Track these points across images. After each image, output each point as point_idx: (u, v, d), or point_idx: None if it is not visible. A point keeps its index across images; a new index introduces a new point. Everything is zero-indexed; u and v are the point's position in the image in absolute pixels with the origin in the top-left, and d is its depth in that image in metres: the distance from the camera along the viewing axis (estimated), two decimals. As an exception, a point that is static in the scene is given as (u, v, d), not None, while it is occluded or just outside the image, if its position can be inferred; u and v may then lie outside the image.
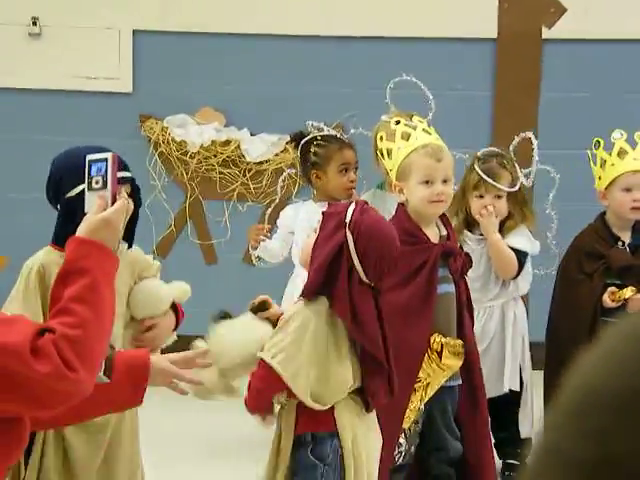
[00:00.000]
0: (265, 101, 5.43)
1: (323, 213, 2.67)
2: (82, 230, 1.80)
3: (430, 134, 3.32)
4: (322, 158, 3.91)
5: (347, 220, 2.58)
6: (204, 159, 5.45)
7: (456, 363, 3.21)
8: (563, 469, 0.62)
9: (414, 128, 3.31)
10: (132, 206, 2.23)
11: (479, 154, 3.76)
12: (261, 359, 2.51)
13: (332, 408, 2.57)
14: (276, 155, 5.44)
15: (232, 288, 5.43)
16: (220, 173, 5.46)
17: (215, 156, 5.45)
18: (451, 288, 3.27)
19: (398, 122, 3.34)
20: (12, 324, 1.67)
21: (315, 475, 2.56)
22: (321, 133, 3.96)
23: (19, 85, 5.43)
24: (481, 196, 3.73)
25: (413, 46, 5.36)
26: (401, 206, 3.31)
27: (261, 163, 5.46)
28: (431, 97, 3.82)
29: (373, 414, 2.73)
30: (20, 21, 5.39)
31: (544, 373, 3.78)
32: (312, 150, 3.94)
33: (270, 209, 4.31)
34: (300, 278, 3.85)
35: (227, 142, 5.46)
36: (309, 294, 2.57)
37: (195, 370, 2.15)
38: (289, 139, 4.26)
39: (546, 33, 5.39)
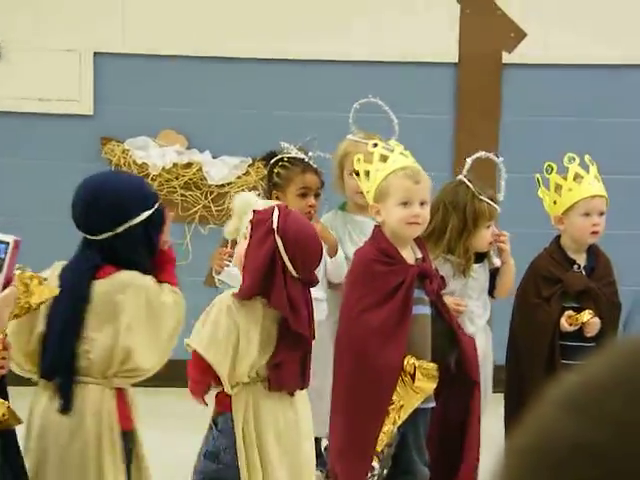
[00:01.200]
0: (227, 124, 5.42)
1: (251, 221, 2.90)
2: None
3: (407, 157, 3.35)
4: (283, 180, 3.91)
5: (274, 226, 2.86)
6: (165, 181, 5.43)
7: (429, 386, 3.21)
8: (513, 457, 0.66)
9: (391, 151, 3.35)
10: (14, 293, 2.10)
11: (469, 184, 3.68)
12: (193, 350, 2.83)
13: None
14: (238, 178, 5.44)
15: (193, 311, 5.39)
16: (182, 196, 5.45)
17: (177, 178, 5.43)
18: (426, 310, 3.29)
19: (376, 145, 3.37)
20: None
21: (215, 445, 2.94)
22: (288, 155, 3.96)
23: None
24: (488, 226, 3.70)
25: (375, 70, 5.38)
26: (378, 227, 3.34)
27: (223, 186, 5.45)
28: (395, 120, 3.84)
29: (299, 400, 2.98)
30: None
31: (504, 395, 3.79)
32: (275, 171, 3.94)
33: (232, 232, 4.30)
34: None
35: (189, 165, 5.45)
36: (245, 296, 2.85)
37: None
38: (261, 158, 4.24)
39: (506, 58, 5.44)
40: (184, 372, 2.97)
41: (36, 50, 5.40)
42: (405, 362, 3.17)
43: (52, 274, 2.70)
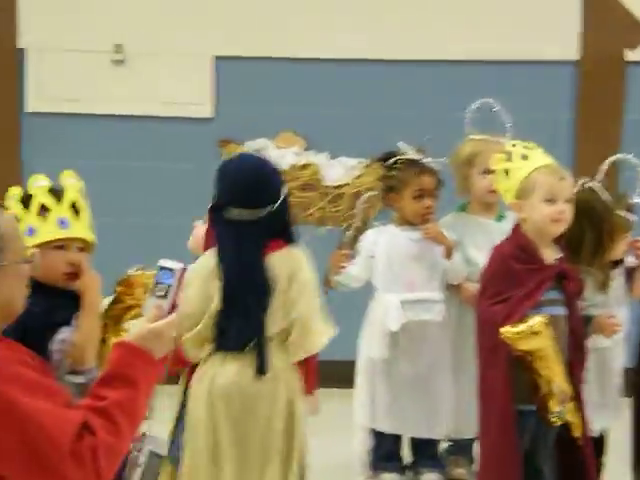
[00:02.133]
0: (344, 125, 5.43)
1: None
2: (133, 336, 1.79)
3: (547, 157, 3.34)
4: (399, 182, 3.89)
5: None
6: (283, 183, 5.48)
7: (534, 342, 3.08)
8: None
9: (532, 149, 3.34)
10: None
11: (604, 194, 3.58)
12: None
13: None
14: (355, 178, 5.44)
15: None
16: (299, 197, 5.48)
17: (294, 180, 5.47)
18: (562, 311, 3.25)
19: (514, 145, 3.36)
20: (54, 398, 1.65)
21: None
22: (405, 156, 3.93)
23: (103, 111, 5.53)
24: (625, 237, 3.59)
25: (494, 69, 5.32)
26: (517, 225, 3.32)
27: (340, 187, 5.46)
28: (509, 122, 3.79)
29: None
30: (104, 48, 5.50)
31: (634, 402, 3.68)
32: (391, 173, 3.93)
33: (349, 233, 4.31)
34: (381, 303, 3.84)
35: (306, 166, 5.48)
36: None
37: None
38: (377, 159, 4.22)
39: (629, 55, 5.31)
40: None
41: (157, 55, 5.52)
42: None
43: (207, 261, 2.96)
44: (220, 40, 5.48)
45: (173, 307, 1.87)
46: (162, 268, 1.90)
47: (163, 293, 1.87)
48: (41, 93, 5.52)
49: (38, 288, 2.19)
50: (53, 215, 2.42)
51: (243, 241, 2.91)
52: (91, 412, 1.67)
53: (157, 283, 1.89)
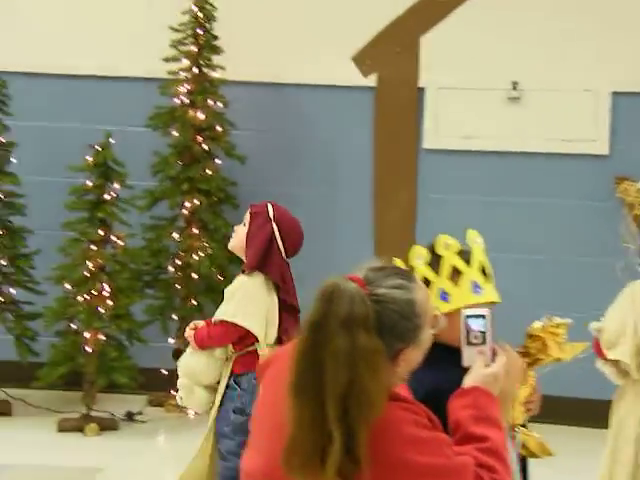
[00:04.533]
0: None
1: (250, 212, 3.59)
2: (478, 381, 1.91)
3: None
4: None
5: (271, 216, 3.55)
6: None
7: None
8: None
9: None
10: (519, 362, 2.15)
11: None
12: (221, 320, 3.52)
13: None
14: None
15: None
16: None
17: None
18: None
19: None
20: (446, 451, 1.72)
21: (242, 401, 3.54)
22: None
23: (495, 148, 5.62)
24: None
25: None
26: None
27: None
28: None
29: None
30: (501, 86, 5.58)
31: None
32: None
33: None
34: None
35: None
36: (250, 270, 3.54)
37: None
38: None
39: None
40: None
41: (552, 91, 5.51)
42: None
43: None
44: (619, 76, 5.37)
45: (494, 352, 1.96)
46: (469, 317, 2.01)
47: (480, 340, 1.99)
48: (437, 130, 5.70)
49: (444, 352, 2.07)
50: (465, 279, 2.25)
51: None
52: (480, 452, 1.77)
53: (468, 332, 2.00)
